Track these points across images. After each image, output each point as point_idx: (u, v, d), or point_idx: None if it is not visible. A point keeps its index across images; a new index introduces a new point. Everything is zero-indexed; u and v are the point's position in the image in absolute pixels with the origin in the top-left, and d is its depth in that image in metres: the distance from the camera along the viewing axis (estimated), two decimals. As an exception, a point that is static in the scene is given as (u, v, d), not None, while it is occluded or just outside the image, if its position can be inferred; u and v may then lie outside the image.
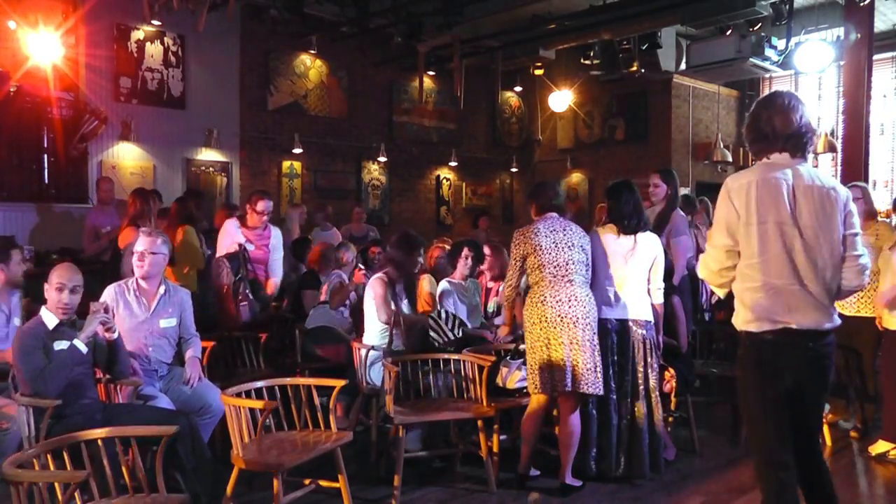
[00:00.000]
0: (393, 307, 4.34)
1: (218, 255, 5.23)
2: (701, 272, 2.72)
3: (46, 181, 7.15)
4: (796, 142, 2.51)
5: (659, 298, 3.97)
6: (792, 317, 2.45)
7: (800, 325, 2.45)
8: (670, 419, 4.51)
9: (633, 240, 3.92)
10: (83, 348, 3.25)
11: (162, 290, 3.96)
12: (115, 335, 3.41)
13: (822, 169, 9.02)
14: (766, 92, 10.93)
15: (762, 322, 2.48)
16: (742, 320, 2.55)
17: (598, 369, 3.71)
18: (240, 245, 5.15)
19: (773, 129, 2.51)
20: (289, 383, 3.61)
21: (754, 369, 2.52)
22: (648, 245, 3.94)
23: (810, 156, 2.60)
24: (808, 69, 8.47)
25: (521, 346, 4.01)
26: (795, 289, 2.45)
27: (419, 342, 4.46)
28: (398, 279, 4.42)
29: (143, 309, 3.89)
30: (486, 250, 5.04)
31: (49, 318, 3.32)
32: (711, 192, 10.57)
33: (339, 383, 3.57)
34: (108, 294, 3.85)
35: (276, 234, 5.46)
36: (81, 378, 3.30)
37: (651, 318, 3.94)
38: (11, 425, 3.26)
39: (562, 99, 10.63)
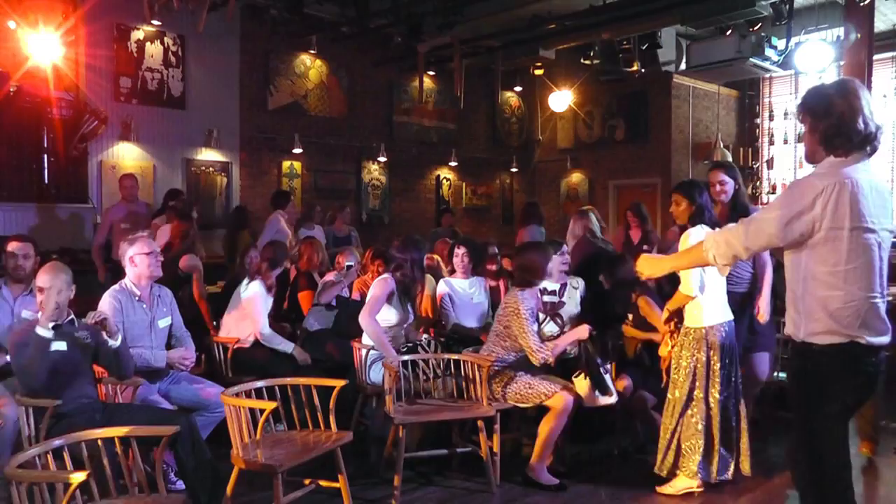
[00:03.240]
0: (396, 310, 4.34)
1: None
2: (724, 242, 2.47)
3: (46, 181, 7.15)
4: (874, 139, 2.34)
5: None
6: (863, 332, 2.30)
7: (869, 341, 2.30)
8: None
9: None
10: (47, 333, 3.17)
11: (154, 291, 3.98)
12: (118, 342, 3.39)
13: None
14: (767, 92, 11.08)
15: (832, 335, 2.31)
16: (808, 331, 2.36)
17: None
18: None
19: (865, 124, 2.31)
20: (289, 383, 3.61)
21: (816, 384, 2.38)
22: None
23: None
24: (808, 69, 8.48)
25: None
26: (874, 302, 2.31)
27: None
28: (405, 282, 4.40)
29: (144, 312, 3.89)
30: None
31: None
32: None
33: (339, 383, 3.57)
34: (107, 303, 3.80)
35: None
36: (81, 378, 3.29)
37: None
38: (6, 423, 3.24)
39: (562, 99, 10.63)
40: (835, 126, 2.31)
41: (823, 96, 2.38)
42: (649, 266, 3.03)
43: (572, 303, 4.63)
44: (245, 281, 4.84)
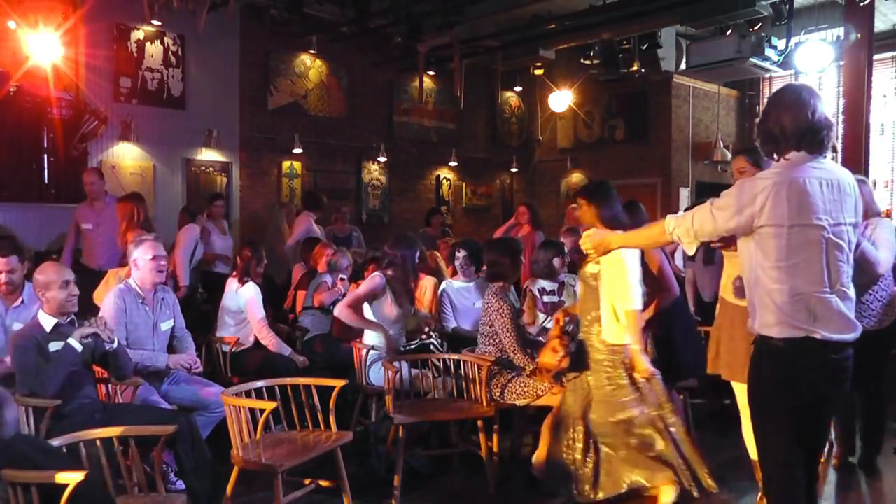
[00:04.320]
0: (394, 306, 4.35)
1: None
2: (687, 226, 2.50)
3: (46, 181, 7.15)
4: (811, 138, 2.38)
5: None
6: (818, 326, 2.31)
7: (825, 336, 2.31)
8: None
9: None
10: (77, 346, 3.22)
11: (159, 293, 3.98)
12: (115, 346, 3.38)
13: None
14: (767, 92, 11.07)
15: (786, 328, 2.33)
16: (762, 322, 2.41)
17: None
18: None
19: (781, 128, 2.38)
20: (289, 383, 3.61)
21: (770, 379, 2.41)
22: None
23: (829, 151, 2.45)
24: (808, 69, 8.47)
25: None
26: (823, 297, 2.32)
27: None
28: (398, 279, 4.40)
29: (147, 314, 3.90)
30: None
31: (46, 320, 3.31)
32: (712, 193, 10.66)
33: (339, 383, 3.57)
34: (112, 303, 3.81)
35: None
36: (80, 378, 3.30)
37: None
38: None
39: (562, 99, 10.63)
40: (761, 133, 2.48)
41: (762, 113, 2.55)
42: (594, 242, 2.88)
43: (571, 301, 4.62)
44: (235, 286, 4.82)
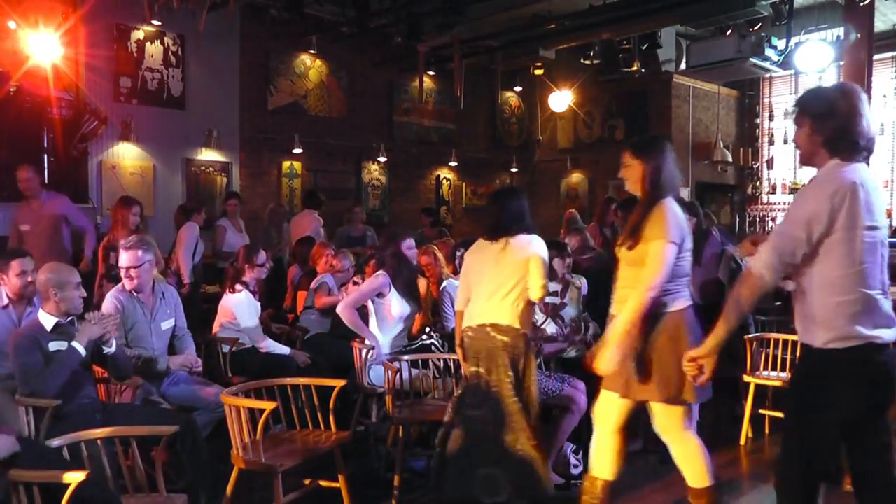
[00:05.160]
0: (398, 304, 4.35)
1: None
2: (768, 260, 2.33)
3: (46, 181, 7.13)
4: (870, 143, 2.36)
5: None
6: (879, 331, 2.28)
7: (883, 339, 2.28)
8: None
9: None
10: (82, 350, 3.22)
11: (157, 293, 3.98)
12: (113, 348, 3.38)
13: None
14: (767, 92, 11.08)
15: (849, 339, 2.27)
16: (825, 338, 2.31)
17: None
18: None
19: (856, 130, 2.32)
20: (289, 383, 3.61)
21: (827, 389, 2.33)
22: None
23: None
24: (808, 69, 8.47)
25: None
26: (879, 298, 2.30)
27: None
28: (396, 277, 4.40)
29: (146, 316, 3.90)
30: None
31: (46, 319, 3.31)
32: (712, 193, 10.68)
33: (339, 383, 3.57)
34: (111, 304, 3.81)
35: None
36: (80, 378, 3.29)
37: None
38: None
39: (562, 99, 10.63)
40: (841, 128, 2.32)
41: (825, 98, 2.38)
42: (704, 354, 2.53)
43: (574, 304, 4.62)
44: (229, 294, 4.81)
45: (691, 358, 2.54)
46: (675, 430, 2.98)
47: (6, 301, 3.62)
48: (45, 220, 5.61)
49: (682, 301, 2.95)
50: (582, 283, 4.70)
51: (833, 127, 2.32)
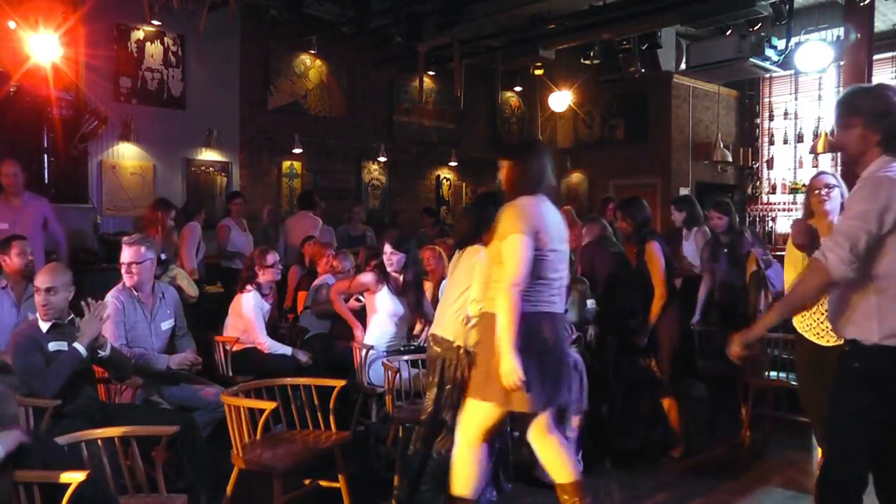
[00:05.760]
0: (390, 302, 4.38)
1: None
2: (842, 255, 2.28)
3: (46, 181, 7.14)
4: None
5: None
6: None
7: None
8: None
9: None
10: (83, 351, 3.22)
11: (157, 293, 3.98)
12: (107, 353, 3.37)
13: (823, 169, 9.01)
14: (767, 92, 11.07)
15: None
16: (884, 333, 2.28)
17: None
18: None
19: None
20: (289, 383, 3.61)
21: (871, 389, 2.31)
22: None
23: None
24: (808, 69, 8.47)
25: None
26: None
27: None
28: (393, 277, 4.45)
29: (146, 315, 3.90)
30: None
31: (43, 321, 3.31)
32: (711, 193, 10.68)
33: (339, 383, 3.57)
34: (110, 304, 3.78)
35: None
36: (80, 378, 3.29)
37: None
38: None
39: (562, 99, 10.63)
40: (890, 127, 2.35)
41: (880, 97, 2.40)
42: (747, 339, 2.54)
43: (574, 307, 4.59)
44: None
45: (740, 342, 2.52)
46: (539, 433, 3.07)
47: (4, 282, 3.71)
48: (25, 220, 5.38)
49: (533, 306, 2.89)
50: (585, 284, 4.68)
51: (888, 124, 2.35)
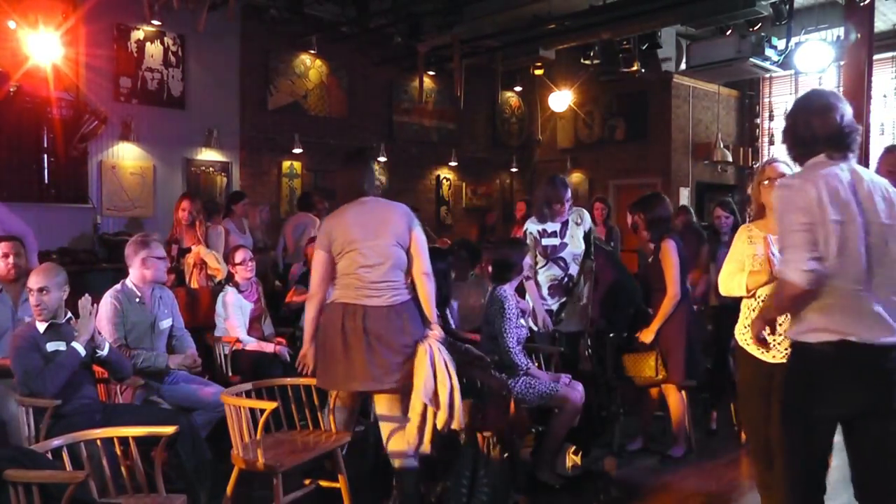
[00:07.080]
0: None
1: None
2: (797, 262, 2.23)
3: (46, 181, 7.15)
4: (838, 142, 2.34)
5: None
6: (855, 329, 2.22)
7: (861, 338, 2.22)
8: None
9: None
10: (82, 351, 3.22)
11: (156, 292, 3.98)
12: (106, 352, 3.37)
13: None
14: (767, 92, 11.07)
15: (822, 333, 2.24)
16: (799, 329, 2.31)
17: None
18: None
19: (812, 132, 2.36)
20: (289, 383, 3.61)
21: (802, 386, 2.31)
22: None
23: (853, 155, 2.38)
24: (808, 69, 8.48)
25: None
26: (863, 295, 2.23)
27: None
28: None
29: (145, 313, 3.90)
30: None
31: (39, 322, 3.31)
32: (712, 193, 10.68)
33: (339, 383, 3.56)
34: (109, 304, 3.80)
35: None
36: (80, 378, 3.29)
37: None
38: None
39: (562, 99, 10.63)
40: (790, 136, 2.50)
41: (790, 117, 2.52)
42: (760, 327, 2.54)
43: (575, 241, 4.53)
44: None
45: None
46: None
47: None
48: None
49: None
50: (583, 218, 4.59)
51: (791, 134, 2.52)
